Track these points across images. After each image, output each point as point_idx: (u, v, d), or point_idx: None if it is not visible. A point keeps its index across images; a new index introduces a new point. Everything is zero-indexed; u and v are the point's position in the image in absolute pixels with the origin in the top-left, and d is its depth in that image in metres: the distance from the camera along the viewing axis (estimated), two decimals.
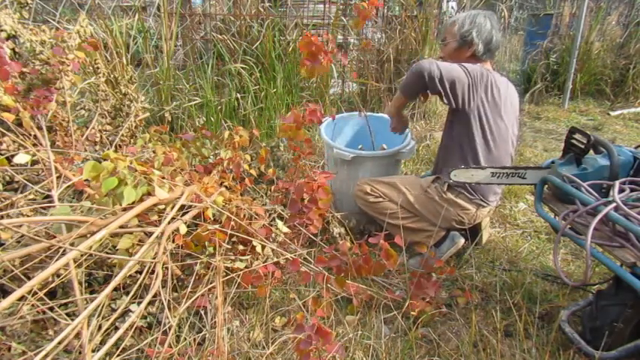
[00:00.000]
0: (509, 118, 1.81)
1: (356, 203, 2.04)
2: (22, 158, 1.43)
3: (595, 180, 1.40)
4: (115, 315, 1.26)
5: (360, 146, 2.41)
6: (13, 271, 1.16)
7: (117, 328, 1.16)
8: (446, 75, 1.66)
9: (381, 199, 1.92)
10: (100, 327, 1.19)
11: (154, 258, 1.24)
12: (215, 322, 1.32)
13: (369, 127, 2.25)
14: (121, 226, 1.24)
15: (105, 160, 1.28)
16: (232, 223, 1.53)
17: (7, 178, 1.64)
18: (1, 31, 1.87)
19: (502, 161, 1.83)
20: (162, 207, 1.41)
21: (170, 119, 2.94)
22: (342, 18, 3.60)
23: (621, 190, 1.28)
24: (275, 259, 1.63)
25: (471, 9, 4.10)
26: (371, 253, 1.63)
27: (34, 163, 1.66)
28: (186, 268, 1.56)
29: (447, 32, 1.86)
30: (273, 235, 1.69)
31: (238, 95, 3.16)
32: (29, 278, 1.17)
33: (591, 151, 1.49)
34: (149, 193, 1.31)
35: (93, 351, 1.06)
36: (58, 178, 1.45)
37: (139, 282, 1.20)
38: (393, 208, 1.89)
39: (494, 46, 1.80)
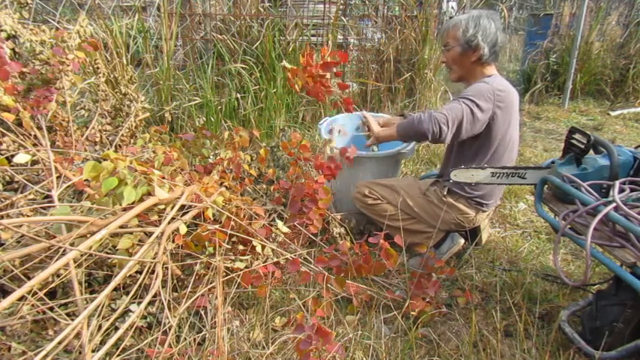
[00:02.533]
0: (514, 123, 1.80)
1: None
2: (22, 158, 1.43)
3: (595, 180, 1.40)
4: (115, 315, 1.26)
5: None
6: (13, 271, 1.16)
7: (117, 328, 1.16)
8: (449, 131, 1.64)
9: (379, 201, 1.92)
10: (100, 327, 1.19)
11: (154, 258, 1.24)
12: (215, 322, 1.32)
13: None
14: (121, 226, 1.24)
15: (105, 160, 1.28)
16: (232, 223, 1.53)
17: (7, 178, 1.64)
18: (1, 31, 1.87)
19: None
20: (162, 207, 1.41)
21: (170, 119, 2.94)
22: (342, 18, 3.60)
23: (621, 190, 1.28)
24: (275, 259, 1.62)
25: (470, 9, 4.10)
26: (371, 253, 1.63)
27: (34, 163, 1.66)
28: (186, 268, 1.56)
29: (448, 36, 1.76)
30: (273, 235, 1.69)
31: (238, 95, 3.16)
32: (29, 278, 1.17)
33: (591, 151, 1.49)
34: (149, 193, 1.31)
35: (93, 351, 1.06)
36: (58, 178, 1.45)
37: (139, 282, 1.20)
38: (391, 210, 1.89)
39: (499, 48, 1.75)
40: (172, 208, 1.32)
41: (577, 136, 1.47)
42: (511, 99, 1.72)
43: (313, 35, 3.54)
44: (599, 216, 1.19)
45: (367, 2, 3.89)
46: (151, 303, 1.41)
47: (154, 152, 1.70)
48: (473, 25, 1.70)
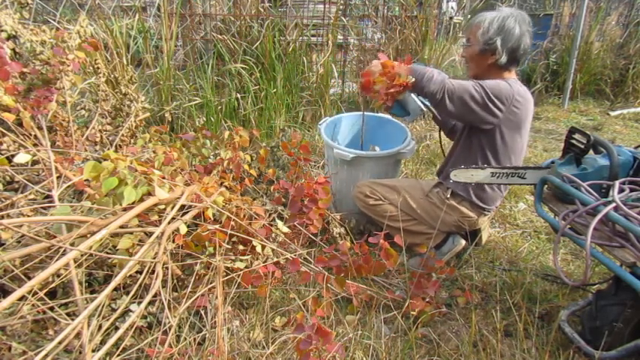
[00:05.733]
0: (527, 131, 1.76)
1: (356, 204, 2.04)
2: (22, 158, 1.43)
3: (595, 180, 1.40)
4: (115, 315, 1.26)
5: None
6: (13, 271, 1.16)
7: (117, 328, 1.16)
8: (451, 105, 1.57)
9: (380, 202, 1.92)
10: (100, 327, 1.20)
11: (154, 258, 1.24)
12: (215, 322, 1.32)
13: (363, 127, 2.24)
14: (121, 226, 1.25)
15: (105, 160, 1.29)
16: (232, 223, 1.53)
17: (8, 178, 1.65)
18: (2, 31, 1.87)
19: None
20: (162, 207, 1.41)
21: (170, 119, 2.94)
22: (342, 18, 3.60)
23: (621, 190, 1.28)
24: (275, 259, 1.63)
25: (470, 9, 4.10)
26: (371, 253, 1.63)
27: (34, 163, 1.66)
28: (186, 268, 1.56)
29: (471, 32, 1.69)
30: (273, 235, 1.70)
31: (238, 95, 3.17)
32: (29, 278, 1.17)
33: (591, 151, 1.49)
34: (149, 193, 1.31)
35: (93, 351, 1.06)
36: (59, 178, 1.45)
37: (139, 282, 1.20)
38: (392, 210, 1.89)
39: (520, 55, 1.65)
40: (172, 208, 1.32)
41: (577, 136, 1.47)
42: (523, 102, 1.65)
43: (313, 35, 3.54)
44: (599, 216, 1.19)
45: (367, 2, 3.89)
46: (151, 303, 1.41)
47: (154, 152, 1.71)
48: (495, 27, 1.61)
